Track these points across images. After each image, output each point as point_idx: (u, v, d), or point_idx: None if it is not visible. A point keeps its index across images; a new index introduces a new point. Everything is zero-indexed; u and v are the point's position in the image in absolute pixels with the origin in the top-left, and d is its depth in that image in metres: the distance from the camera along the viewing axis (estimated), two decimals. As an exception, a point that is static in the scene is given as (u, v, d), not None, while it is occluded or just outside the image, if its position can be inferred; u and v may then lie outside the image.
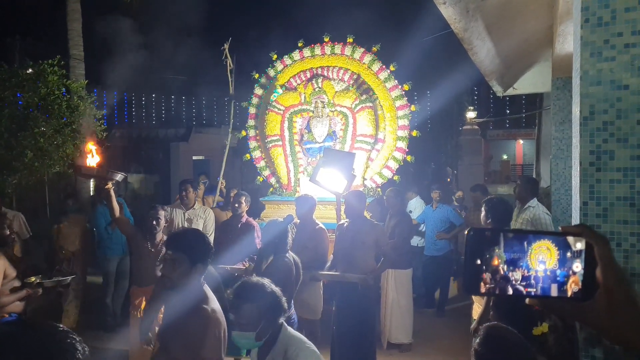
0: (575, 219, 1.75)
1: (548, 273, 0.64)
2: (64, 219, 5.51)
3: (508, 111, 20.27)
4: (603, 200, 1.60)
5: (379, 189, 5.96)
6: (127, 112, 20.72)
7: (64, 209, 5.70)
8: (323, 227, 4.38)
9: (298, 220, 4.44)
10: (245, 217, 4.77)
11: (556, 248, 0.64)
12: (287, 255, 3.40)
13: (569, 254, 0.64)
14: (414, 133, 5.93)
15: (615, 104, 1.54)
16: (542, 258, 0.64)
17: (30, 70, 7.00)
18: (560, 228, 0.68)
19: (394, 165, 5.93)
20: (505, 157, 25.20)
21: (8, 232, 3.47)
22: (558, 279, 0.64)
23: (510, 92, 8.16)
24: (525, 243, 0.64)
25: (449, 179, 12.72)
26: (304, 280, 3.97)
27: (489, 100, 20.18)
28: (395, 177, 5.98)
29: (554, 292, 0.64)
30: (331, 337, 4.10)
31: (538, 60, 6.23)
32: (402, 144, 5.89)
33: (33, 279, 3.24)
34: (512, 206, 4.12)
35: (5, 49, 11.42)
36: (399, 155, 5.92)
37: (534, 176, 12.43)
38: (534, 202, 4.18)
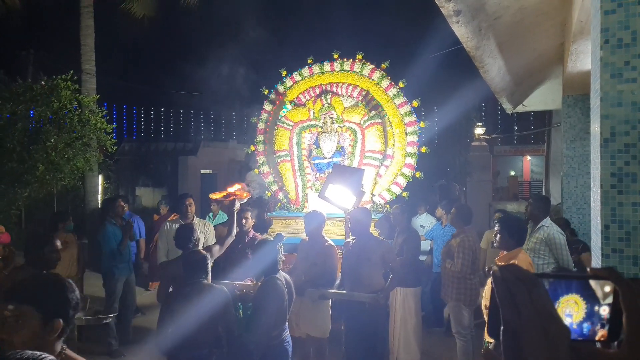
0: (596, 243, 1.71)
1: (574, 327, 0.64)
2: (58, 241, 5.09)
3: (516, 127, 20.20)
4: (625, 224, 1.55)
5: (388, 206, 5.91)
6: (136, 126, 20.93)
7: (63, 227, 5.13)
8: (332, 243, 4.33)
9: (307, 237, 4.40)
10: (251, 233, 4.73)
11: (584, 302, 0.64)
12: (277, 276, 3.25)
13: (596, 308, 0.64)
14: (423, 149, 5.90)
15: (637, 126, 1.51)
16: (569, 311, 0.64)
17: (43, 83, 7.11)
18: (588, 270, 0.68)
19: (403, 182, 5.89)
20: (512, 173, 25.01)
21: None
22: (584, 332, 0.64)
23: (520, 109, 8.14)
24: (552, 294, 0.64)
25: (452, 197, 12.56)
26: (312, 298, 3.91)
27: (497, 116, 20.15)
28: (404, 194, 5.93)
29: None
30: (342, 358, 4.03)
31: (548, 77, 6.21)
32: (411, 160, 5.86)
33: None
34: (525, 225, 4.06)
35: (20, 63, 11.64)
36: (407, 172, 5.88)
37: (544, 193, 12.31)
38: (547, 221, 4.13)
